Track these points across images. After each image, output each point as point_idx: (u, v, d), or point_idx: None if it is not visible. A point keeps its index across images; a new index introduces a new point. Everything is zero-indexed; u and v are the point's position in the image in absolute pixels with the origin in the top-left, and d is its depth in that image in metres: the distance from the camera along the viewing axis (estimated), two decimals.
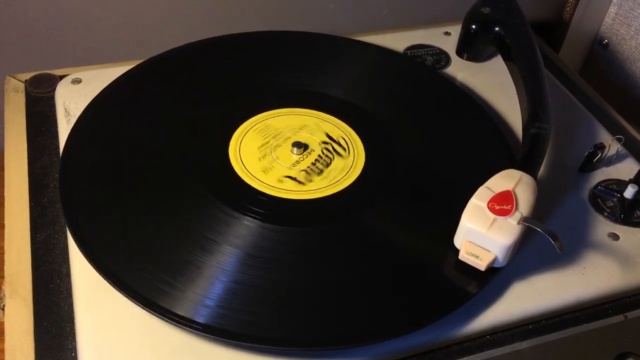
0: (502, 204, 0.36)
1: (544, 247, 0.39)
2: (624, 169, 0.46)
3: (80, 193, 0.39)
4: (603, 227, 0.42)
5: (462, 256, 0.36)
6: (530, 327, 0.37)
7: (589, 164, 0.45)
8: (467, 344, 0.36)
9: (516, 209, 0.36)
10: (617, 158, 0.46)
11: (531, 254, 0.39)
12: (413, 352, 0.35)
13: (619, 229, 0.42)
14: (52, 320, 0.35)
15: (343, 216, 0.39)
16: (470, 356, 0.35)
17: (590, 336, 0.37)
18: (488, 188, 0.37)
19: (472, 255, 0.35)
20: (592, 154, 0.45)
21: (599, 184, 0.44)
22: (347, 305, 0.35)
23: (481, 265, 0.35)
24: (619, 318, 0.38)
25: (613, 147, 0.46)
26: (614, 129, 0.50)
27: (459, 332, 0.35)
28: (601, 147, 0.45)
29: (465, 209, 0.36)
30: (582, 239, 0.41)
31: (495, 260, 0.35)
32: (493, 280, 0.36)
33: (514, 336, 0.36)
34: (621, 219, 0.42)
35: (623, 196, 0.42)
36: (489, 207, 0.36)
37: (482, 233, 0.35)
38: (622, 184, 0.44)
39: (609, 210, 0.43)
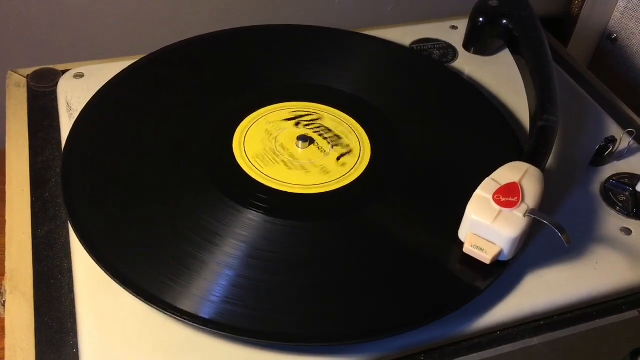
0: (508, 196, 0.35)
1: (555, 242, 0.38)
2: (636, 163, 0.45)
3: (82, 188, 0.38)
4: (615, 221, 0.41)
5: (467, 249, 0.35)
6: (541, 322, 0.36)
7: (600, 158, 0.44)
8: (477, 340, 0.35)
9: (522, 201, 0.35)
10: (629, 152, 0.45)
11: (542, 248, 0.38)
12: (422, 348, 0.34)
13: (631, 224, 0.41)
14: (53, 316, 0.35)
15: (348, 211, 0.39)
16: (481, 352, 0.34)
17: (604, 332, 0.36)
18: (494, 180, 0.36)
19: (477, 248, 0.35)
20: (603, 148, 0.44)
21: (611, 177, 0.43)
22: (353, 300, 0.34)
23: (486, 258, 0.34)
24: (633, 314, 0.37)
25: (624, 140, 0.45)
26: (624, 123, 0.49)
27: (469, 328, 0.34)
28: (612, 140, 0.44)
29: (470, 200, 0.35)
30: (594, 233, 0.40)
31: (500, 253, 0.35)
32: (503, 275, 0.36)
33: (525, 332, 0.36)
34: (634, 213, 0.41)
35: (635, 190, 0.42)
36: (494, 199, 0.35)
37: (487, 225, 0.34)
38: (635, 178, 0.43)
39: (621, 205, 0.42)
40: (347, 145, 0.42)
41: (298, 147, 0.42)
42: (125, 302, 0.34)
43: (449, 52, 0.55)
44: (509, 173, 0.37)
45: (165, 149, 0.41)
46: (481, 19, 0.53)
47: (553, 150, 0.41)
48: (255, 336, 0.32)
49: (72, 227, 0.36)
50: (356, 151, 0.42)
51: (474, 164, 0.42)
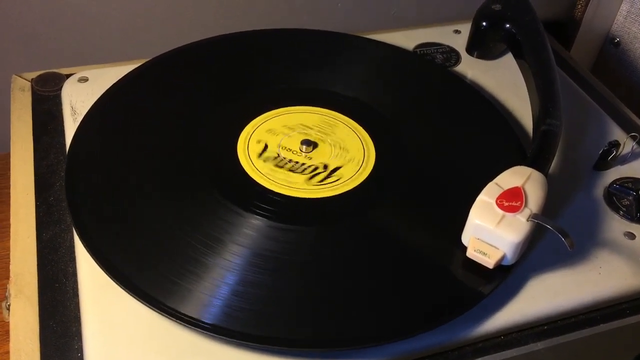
0: (511, 200, 0.35)
1: (558, 246, 0.38)
2: None
3: (87, 192, 0.38)
4: (619, 226, 0.41)
5: (470, 254, 0.35)
6: (545, 327, 0.36)
7: (604, 162, 0.44)
8: (481, 344, 0.35)
9: (525, 205, 0.35)
10: (632, 156, 0.45)
11: (546, 253, 0.38)
12: (426, 353, 0.34)
13: (635, 228, 0.41)
14: (57, 320, 0.35)
15: (352, 215, 0.39)
16: (484, 357, 0.34)
17: (608, 337, 0.36)
18: (497, 184, 0.36)
19: (480, 252, 0.35)
20: (607, 152, 0.44)
21: (614, 182, 0.43)
22: (357, 305, 0.34)
23: (489, 262, 0.34)
24: (637, 318, 0.37)
25: (628, 144, 0.45)
26: (628, 127, 0.49)
27: (473, 332, 0.34)
28: (616, 144, 0.44)
29: (474, 205, 0.35)
30: (597, 238, 0.40)
31: (503, 257, 0.35)
32: (506, 280, 0.36)
33: (529, 337, 0.36)
34: (637, 218, 0.41)
35: (639, 194, 0.42)
36: (497, 204, 0.35)
37: (490, 230, 0.34)
38: (638, 182, 0.43)
39: (624, 209, 0.42)
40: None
41: (302, 150, 0.42)
42: (129, 306, 0.34)
43: (452, 56, 0.55)
44: (512, 177, 0.37)
45: (169, 153, 0.41)
46: (484, 23, 0.53)
47: (556, 155, 0.41)
48: (258, 341, 0.32)
49: (76, 231, 0.36)
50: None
51: (477, 168, 0.42)
